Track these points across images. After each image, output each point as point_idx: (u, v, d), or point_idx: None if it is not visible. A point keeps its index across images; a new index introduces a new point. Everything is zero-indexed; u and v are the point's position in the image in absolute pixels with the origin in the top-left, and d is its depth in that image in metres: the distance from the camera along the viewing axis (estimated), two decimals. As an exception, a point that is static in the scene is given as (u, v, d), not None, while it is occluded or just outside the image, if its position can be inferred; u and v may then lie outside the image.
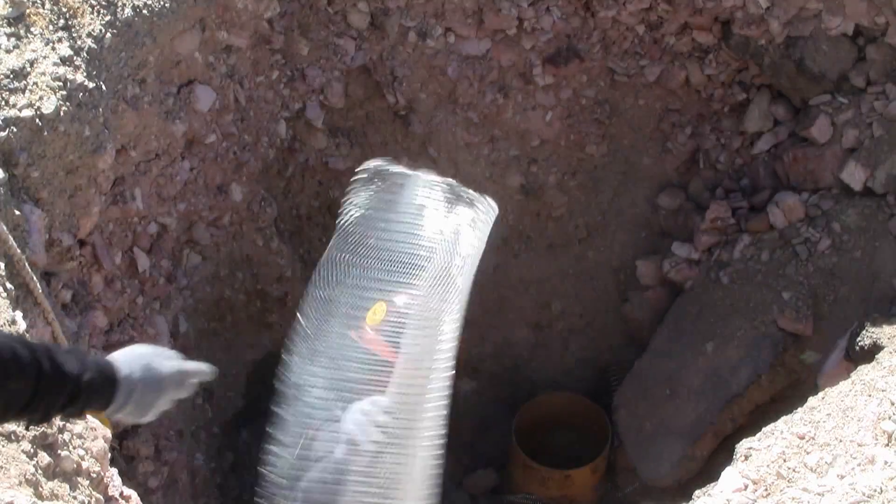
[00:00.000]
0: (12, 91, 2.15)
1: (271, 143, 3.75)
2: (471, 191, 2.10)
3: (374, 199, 2.11)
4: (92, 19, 2.46)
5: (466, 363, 4.72)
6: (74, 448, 1.71)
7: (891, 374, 2.32)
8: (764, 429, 2.27)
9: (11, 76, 2.16)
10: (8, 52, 2.20)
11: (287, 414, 1.94)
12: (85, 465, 1.71)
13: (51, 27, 2.33)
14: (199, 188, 3.28)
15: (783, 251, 3.70)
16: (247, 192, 3.59)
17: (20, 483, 1.51)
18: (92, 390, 1.40)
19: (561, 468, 4.15)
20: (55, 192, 2.25)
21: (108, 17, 2.52)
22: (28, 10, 2.29)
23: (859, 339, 3.08)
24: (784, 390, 3.60)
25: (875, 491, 1.87)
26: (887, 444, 2.00)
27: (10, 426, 1.61)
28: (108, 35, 2.50)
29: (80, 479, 1.69)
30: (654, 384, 3.94)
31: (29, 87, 2.18)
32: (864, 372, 2.43)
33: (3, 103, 2.12)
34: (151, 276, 2.97)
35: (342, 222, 2.12)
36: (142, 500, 2.00)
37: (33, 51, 2.25)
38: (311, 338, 2.01)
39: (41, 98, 2.18)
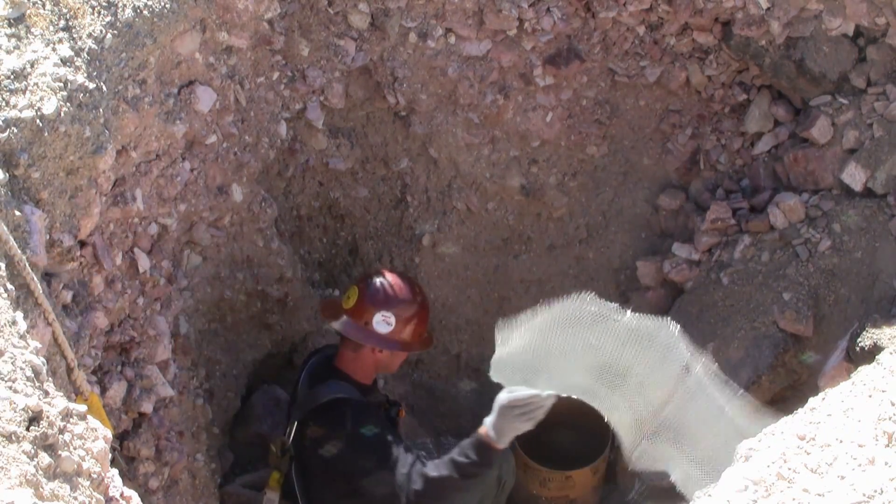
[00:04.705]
0: (13, 92, 2.15)
1: (272, 143, 3.75)
2: None
3: None
4: (92, 20, 2.47)
5: (466, 363, 4.71)
6: (75, 449, 1.71)
7: (891, 374, 2.32)
8: (764, 429, 2.26)
9: (12, 77, 2.16)
10: (8, 52, 2.20)
11: None
12: (85, 465, 1.71)
13: (51, 28, 2.33)
14: (199, 189, 3.28)
15: (783, 252, 3.70)
16: (247, 192, 3.60)
17: (20, 484, 1.51)
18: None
19: (561, 469, 4.13)
20: (56, 193, 2.25)
21: (108, 18, 2.52)
22: (28, 11, 2.29)
23: (860, 339, 3.07)
24: (784, 391, 3.60)
25: (876, 492, 1.87)
26: (888, 445, 2.00)
27: (11, 426, 1.61)
28: (109, 36, 2.51)
29: (80, 479, 1.68)
30: (655, 385, 3.93)
31: (29, 88, 2.18)
32: (864, 373, 2.43)
33: (3, 104, 2.12)
34: (152, 277, 2.97)
35: None
36: (142, 500, 2.00)
37: (34, 51, 2.25)
38: None
39: (42, 99, 2.18)
